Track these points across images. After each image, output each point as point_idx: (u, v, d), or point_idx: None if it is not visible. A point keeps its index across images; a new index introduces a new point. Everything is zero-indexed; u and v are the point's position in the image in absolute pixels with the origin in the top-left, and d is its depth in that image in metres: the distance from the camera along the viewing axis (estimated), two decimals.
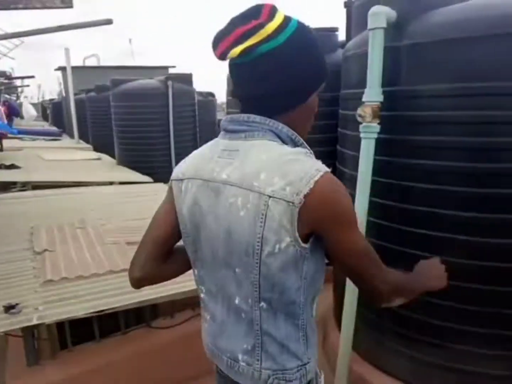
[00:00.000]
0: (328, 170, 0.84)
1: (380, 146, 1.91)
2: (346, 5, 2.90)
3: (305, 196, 0.79)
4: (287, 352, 0.91)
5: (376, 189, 1.95)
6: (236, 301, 0.92)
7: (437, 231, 1.85)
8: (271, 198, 0.81)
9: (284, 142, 0.89)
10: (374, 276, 0.89)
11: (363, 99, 1.87)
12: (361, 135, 1.92)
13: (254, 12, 0.85)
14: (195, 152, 1.02)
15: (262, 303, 0.88)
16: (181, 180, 0.97)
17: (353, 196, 1.92)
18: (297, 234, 0.81)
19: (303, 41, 0.86)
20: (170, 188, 1.01)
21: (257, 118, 0.88)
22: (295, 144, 0.90)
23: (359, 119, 1.89)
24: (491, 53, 1.66)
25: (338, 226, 0.83)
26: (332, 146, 2.74)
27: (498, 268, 1.78)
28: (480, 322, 1.86)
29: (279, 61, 0.83)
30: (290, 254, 0.83)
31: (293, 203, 0.79)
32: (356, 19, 2.43)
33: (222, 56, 0.84)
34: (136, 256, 1.04)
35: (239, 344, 0.94)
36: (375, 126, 1.87)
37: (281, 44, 0.83)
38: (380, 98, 1.85)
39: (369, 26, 1.81)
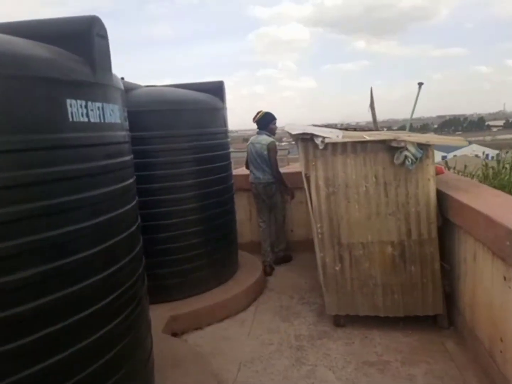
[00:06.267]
0: (273, 139, 5.21)
1: None
2: None
3: (268, 144, 5.08)
4: (270, 174, 5.10)
5: None
6: (260, 164, 5.11)
7: None
8: (264, 145, 5.07)
9: (268, 135, 5.24)
10: (274, 164, 5.08)
11: None
12: None
13: (257, 113, 5.33)
14: (252, 137, 5.34)
15: (265, 164, 5.08)
16: (251, 143, 5.24)
17: None
18: (267, 150, 5.06)
19: (269, 114, 5.35)
20: (247, 146, 5.33)
21: (262, 131, 5.24)
22: (269, 136, 5.24)
23: None
24: None
25: (272, 151, 5.07)
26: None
27: None
28: None
29: (265, 117, 5.28)
30: (266, 155, 5.06)
31: (267, 145, 5.06)
32: None
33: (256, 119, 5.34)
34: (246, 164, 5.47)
35: (261, 174, 5.11)
36: None
37: (266, 113, 5.32)
38: None
39: None
